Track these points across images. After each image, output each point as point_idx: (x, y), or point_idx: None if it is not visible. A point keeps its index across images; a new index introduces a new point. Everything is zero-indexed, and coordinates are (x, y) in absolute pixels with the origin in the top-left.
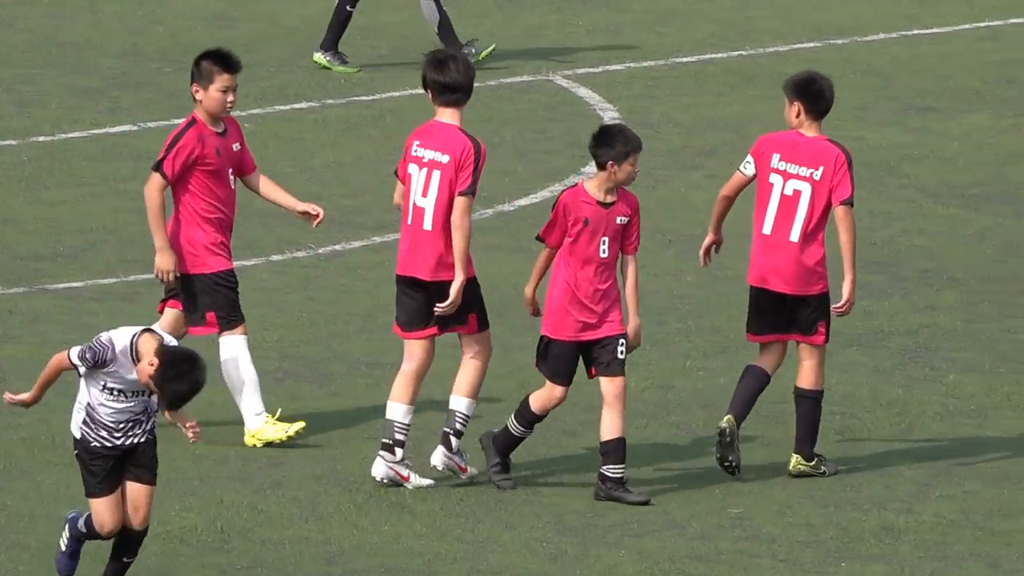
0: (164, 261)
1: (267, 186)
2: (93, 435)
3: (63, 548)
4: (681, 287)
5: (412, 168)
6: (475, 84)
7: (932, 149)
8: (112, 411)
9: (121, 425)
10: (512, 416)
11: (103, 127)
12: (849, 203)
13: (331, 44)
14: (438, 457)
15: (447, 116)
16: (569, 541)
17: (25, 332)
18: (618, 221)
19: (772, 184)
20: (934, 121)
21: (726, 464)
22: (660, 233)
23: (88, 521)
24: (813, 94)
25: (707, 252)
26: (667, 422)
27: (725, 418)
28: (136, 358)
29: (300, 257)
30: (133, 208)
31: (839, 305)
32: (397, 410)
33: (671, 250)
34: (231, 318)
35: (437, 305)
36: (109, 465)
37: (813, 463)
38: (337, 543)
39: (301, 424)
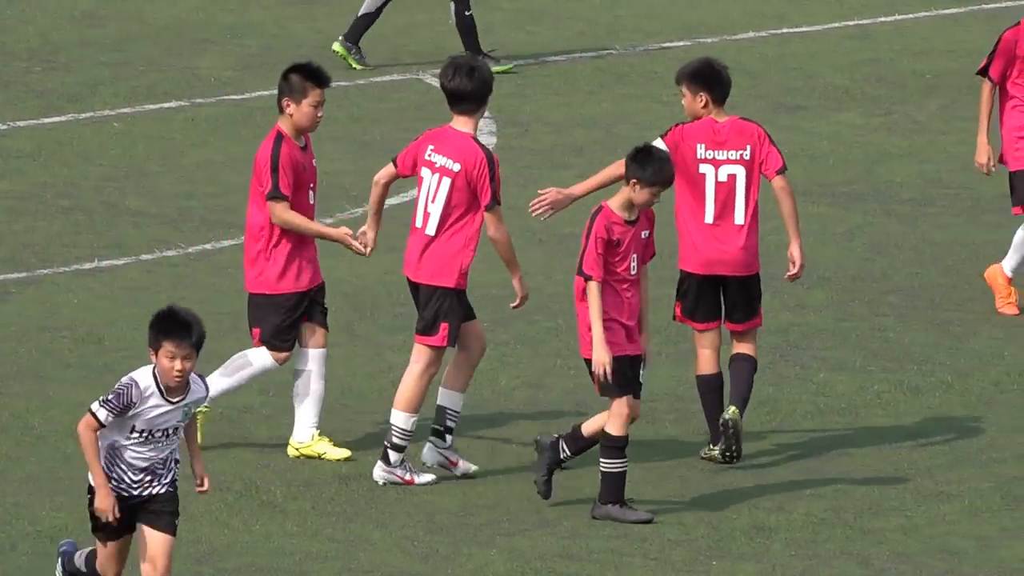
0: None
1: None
2: (111, 473)
3: None
4: (551, 285)
5: (424, 172)
6: (351, 84)
7: (802, 148)
8: (135, 455)
9: (142, 466)
10: (602, 454)
11: None
12: (783, 171)
13: (355, 38)
14: (430, 453)
15: (460, 124)
16: (440, 540)
17: None
18: (643, 236)
19: (704, 174)
20: (804, 120)
21: (728, 455)
22: (530, 232)
23: (89, 561)
24: (717, 81)
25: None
26: (538, 421)
27: (730, 410)
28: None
29: (170, 256)
30: (2, 208)
31: (794, 271)
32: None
33: (540, 249)
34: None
35: (511, 305)
36: (121, 510)
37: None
38: (207, 542)
39: (347, 453)
